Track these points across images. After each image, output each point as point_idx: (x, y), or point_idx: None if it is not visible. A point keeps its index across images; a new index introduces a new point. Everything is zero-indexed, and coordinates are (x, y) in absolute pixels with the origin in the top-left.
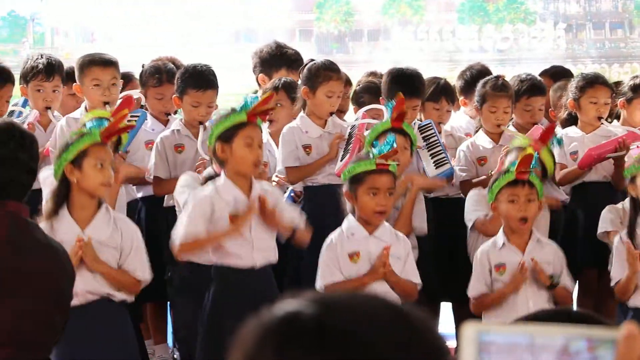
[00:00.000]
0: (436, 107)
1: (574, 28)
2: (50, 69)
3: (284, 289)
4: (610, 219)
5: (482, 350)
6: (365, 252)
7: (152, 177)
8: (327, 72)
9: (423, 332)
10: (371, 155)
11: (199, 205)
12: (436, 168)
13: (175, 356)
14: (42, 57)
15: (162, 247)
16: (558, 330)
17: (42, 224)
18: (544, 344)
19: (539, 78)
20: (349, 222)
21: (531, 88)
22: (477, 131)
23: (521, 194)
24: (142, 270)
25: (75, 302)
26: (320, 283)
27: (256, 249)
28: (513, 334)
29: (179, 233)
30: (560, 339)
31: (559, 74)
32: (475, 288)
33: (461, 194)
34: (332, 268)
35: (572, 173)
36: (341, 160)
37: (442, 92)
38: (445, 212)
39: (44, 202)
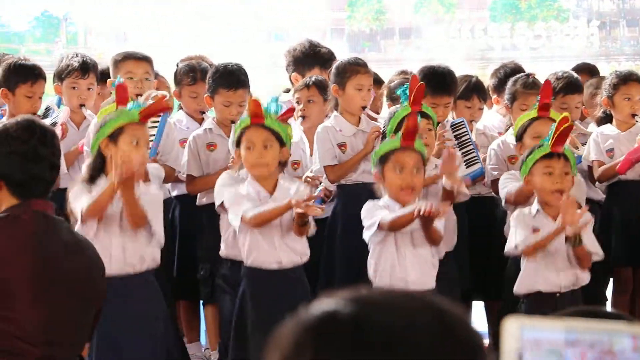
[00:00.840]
0: (468, 105)
1: (608, 25)
2: (85, 67)
3: (318, 289)
4: None
5: (524, 346)
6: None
7: (184, 175)
8: (354, 66)
9: (459, 329)
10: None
11: (235, 189)
12: (466, 167)
13: (207, 355)
14: (77, 56)
15: (196, 245)
16: (602, 326)
17: (80, 185)
18: (587, 340)
19: (575, 75)
20: (385, 200)
21: (568, 86)
22: (507, 130)
23: (557, 167)
24: (159, 231)
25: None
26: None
27: (282, 248)
28: (555, 329)
29: (240, 212)
30: (603, 336)
31: (587, 70)
32: (521, 236)
33: (493, 193)
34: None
35: (610, 171)
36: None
37: (473, 90)
38: (478, 211)
39: (83, 171)
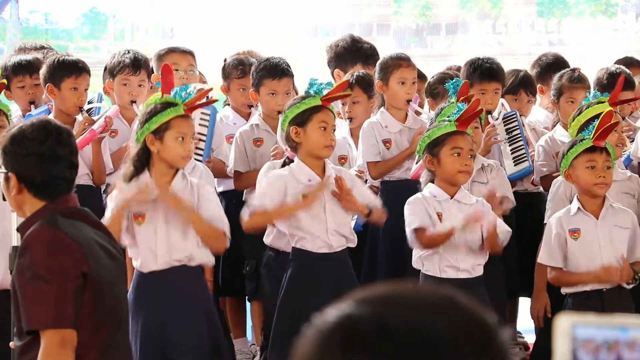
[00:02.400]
0: (515, 99)
1: None
2: (137, 64)
3: (361, 280)
4: None
5: (577, 345)
6: (447, 215)
7: (232, 171)
8: (395, 60)
9: (481, 328)
10: (448, 120)
11: (272, 181)
12: (515, 165)
13: (254, 350)
14: (128, 52)
15: (241, 241)
16: None
17: (120, 186)
18: None
19: (628, 71)
20: (430, 188)
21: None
22: (554, 125)
23: (599, 160)
24: (223, 223)
25: (155, 267)
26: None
27: (331, 231)
28: (608, 326)
29: (250, 205)
30: None
31: (635, 64)
32: (550, 255)
33: (541, 189)
34: (420, 214)
35: None
36: (416, 163)
37: (520, 84)
38: (524, 207)
39: (125, 166)
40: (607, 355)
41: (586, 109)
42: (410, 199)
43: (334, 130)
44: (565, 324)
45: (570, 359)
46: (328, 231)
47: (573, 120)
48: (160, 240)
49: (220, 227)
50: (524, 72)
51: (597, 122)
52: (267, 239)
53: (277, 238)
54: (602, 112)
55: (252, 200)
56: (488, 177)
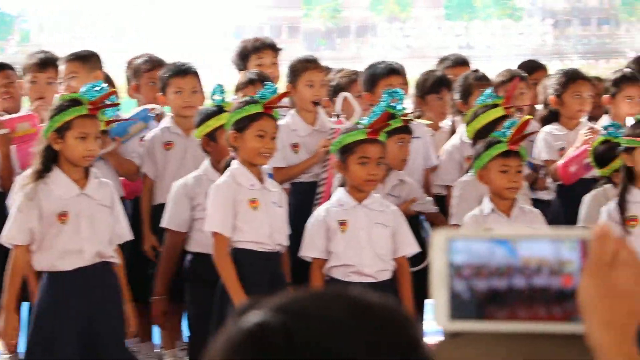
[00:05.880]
0: (439, 97)
1: (561, 24)
2: (46, 62)
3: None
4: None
5: (456, 260)
6: (353, 221)
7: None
8: (303, 63)
9: (394, 330)
10: (360, 126)
11: (219, 199)
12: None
13: (161, 355)
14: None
15: (142, 244)
16: (544, 233)
17: (27, 188)
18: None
19: (524, 74)
20: (338, 194)
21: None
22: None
23: (513, 165)
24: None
25: (82, 263)
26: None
27: (273, 230)
28: (486, 239)
29: (213, 223)
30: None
31: (533, 68)
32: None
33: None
34: (317, 241)
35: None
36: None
37: (442, 84)
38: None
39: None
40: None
41: (481, 112)
42: (311, 220)
43: (274, 138)
44: (439, 238)
45: (447, 275)
46: (271, 231)
47: (469, 120)
48: (86, 236)
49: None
50: (440, 71)
51: (513, 127)
52: (187, 245)
53: (196, 242)
54: (501, 116)
55: (209, 227)
56: (403, 192)
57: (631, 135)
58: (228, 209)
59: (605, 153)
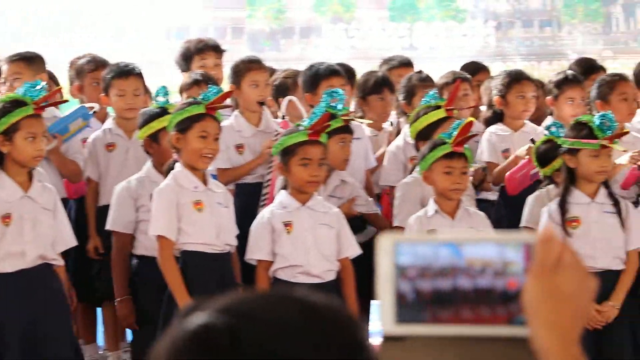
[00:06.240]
0: (381, 98)
1: (504, 26)
2: None
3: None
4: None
5: (401, 261)
6: (298, 223)
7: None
8: (247, 63)
9: (339, 330)
10: (301, 127)
11: (163, 202)
12: None
13: (105, 356)
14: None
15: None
16: (489, 237)
17: None
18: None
19: (468, 76)
20: (281, 196)
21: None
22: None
23: (457, 166)
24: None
25: (23, 265)
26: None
27: (220, 230)
28: (432, 243)
29: (157, 227)
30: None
31: (476, 70)
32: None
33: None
34: (263, 243)
35: (501, 173)
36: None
37: (383, 84)
38: None
39: None
40: (438, 280)
41: (424, 113)
42: (256, 223)
43: (217, 139)
44: (386, 242)
45: (393, 279)
46: (218, 232)
47: (412, 121)
48: (29, 238)
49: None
50: (382, 72)
51: (457, 128)
52: (133, 248)
53: (142, 245)
54: (443, 117)
55: (153, 231)
56: (345, 193)
57: (575, 137)
58: (172, 213)
59: (547, 152)
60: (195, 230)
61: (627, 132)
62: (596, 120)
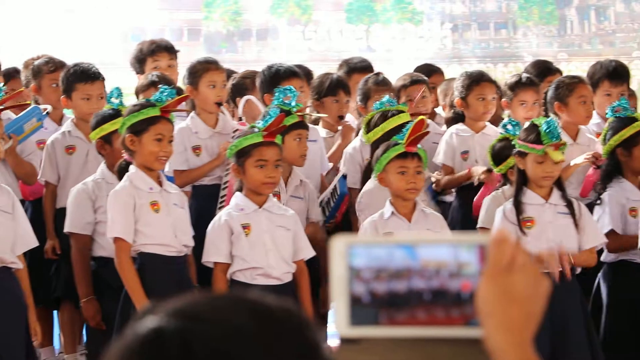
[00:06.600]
0: (335, 100)
1: (460, 28)
2: None
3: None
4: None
5: (356, 263)
6: (256, 225)
7: (43, 180)
8: (204, 64)
9: (291, 332)
10: (256, 129)
11: (120, 205)
12: None
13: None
14: None
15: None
16: (442, 238)
17: None
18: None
19: (424, 78)
20: (237, 199)
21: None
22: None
23: (411, 166)
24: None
25: None
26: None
27: (177, 231)
28: (387, 245)
29: (115, 229)
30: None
31: (430, 72)
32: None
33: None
34: (218, 244)
35: (454, 183)
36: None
37: (338, 86)
38: None
39: None
40: (388, 281)
41: (383, 119)
42: (213, 225)
43: (171, 141)
44: (339, 244)
45: (347, 281)
46: (175, 233)
47: (369, 125)
48: None
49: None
50: (336, 75)
51: (409, 128)
52: (91, 250)
53: (100, 246)
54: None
55: (111, 233)
56: (305, 193)
57: (524, 140)
58: (129, 214)
59: (502, 150)
60: (153, 231)
61: (565, 144)
62: (544, 125)
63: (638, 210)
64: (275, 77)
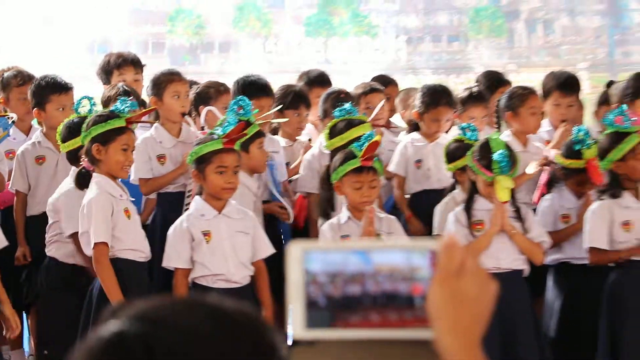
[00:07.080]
0: (296, 113)
1: (414, 41)
2: None
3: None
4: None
5: (311, 268)
6: (216, 232)
7: (14, 190)
8: (167, 75)
9: (249, 334)
10: (216, 136)
11: (99, 209)
12: None
13: None
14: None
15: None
16: (397, 244)
17: None
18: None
19: (381, 87)
20: (197, 204)
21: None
22: None
23: (366, 180)
24: None
25: None
26: (167, 264)
27: (145, 237)
28: (342, 250)
29: (99, 234)
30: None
31: (385, 83)
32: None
33: None
34: (179, 249)
35: (402, 202)
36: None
37: (301, 99)
38: None
39: None
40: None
41: (348, 127)
42: (174, 230)
43: (133, 151)
44: (295, 250)
45: (303, 285)
46: (143, 240)
47: (332, 131)
48: None
49: None
50: (299, 87)
51: (366, 144)
52: (50, 251)
53: (57, 248)
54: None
55: (96, 239)
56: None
57: (477, 161)
58: (109, 220)
59: (455, 151)
60: (127, 237)
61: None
62: (496, 156)
63: (570, 217)
64: (248, 90)
